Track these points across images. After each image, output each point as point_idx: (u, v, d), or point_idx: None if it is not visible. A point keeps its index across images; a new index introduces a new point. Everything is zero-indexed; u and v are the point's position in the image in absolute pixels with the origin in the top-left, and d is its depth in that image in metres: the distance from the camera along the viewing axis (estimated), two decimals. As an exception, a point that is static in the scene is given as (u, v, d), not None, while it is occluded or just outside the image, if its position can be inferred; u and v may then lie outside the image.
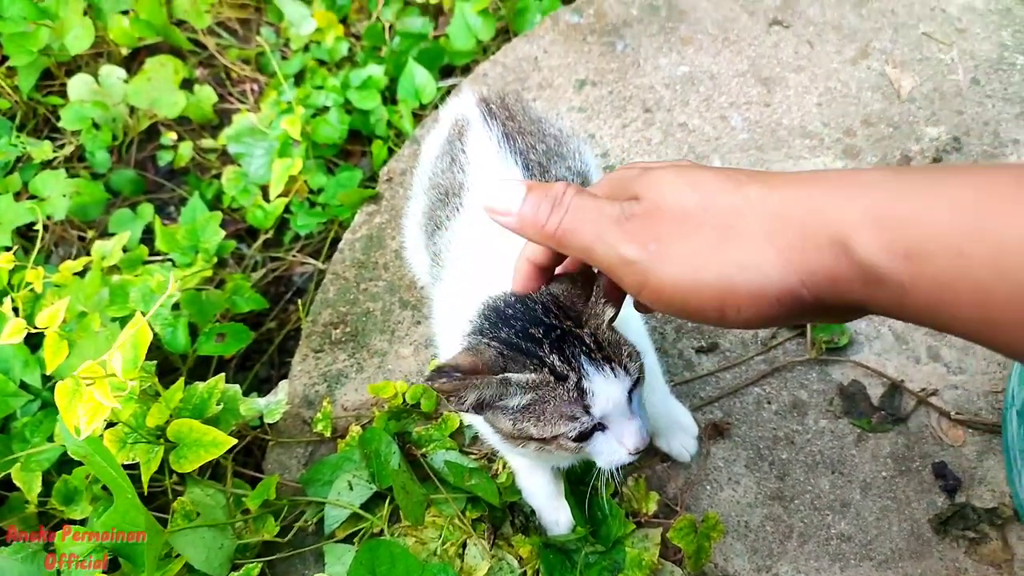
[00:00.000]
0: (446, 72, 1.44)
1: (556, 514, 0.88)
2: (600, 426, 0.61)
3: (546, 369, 0.57)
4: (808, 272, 0.41)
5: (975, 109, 1.15)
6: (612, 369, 0.58)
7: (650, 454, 0.94)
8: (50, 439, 0.97)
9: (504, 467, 0.91)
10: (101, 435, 0.83)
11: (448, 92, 1.30)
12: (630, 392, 0.60)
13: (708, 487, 0.93)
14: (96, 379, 0.69)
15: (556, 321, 0.57)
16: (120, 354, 0.69)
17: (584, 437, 0.61)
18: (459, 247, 0.79)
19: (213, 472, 0.97)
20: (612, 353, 0.59)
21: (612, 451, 0.63)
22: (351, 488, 0.90)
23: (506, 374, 0.56)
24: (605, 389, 0.58)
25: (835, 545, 0.89)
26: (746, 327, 0.45)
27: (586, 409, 0.58)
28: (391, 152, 1.30)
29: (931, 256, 0.37)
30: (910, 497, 0.91)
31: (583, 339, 0.57)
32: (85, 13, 1.37)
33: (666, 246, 0.43)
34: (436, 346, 0.85)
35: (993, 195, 0.37)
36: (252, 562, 0.83)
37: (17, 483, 0.92)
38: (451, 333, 0.73)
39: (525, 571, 0.86)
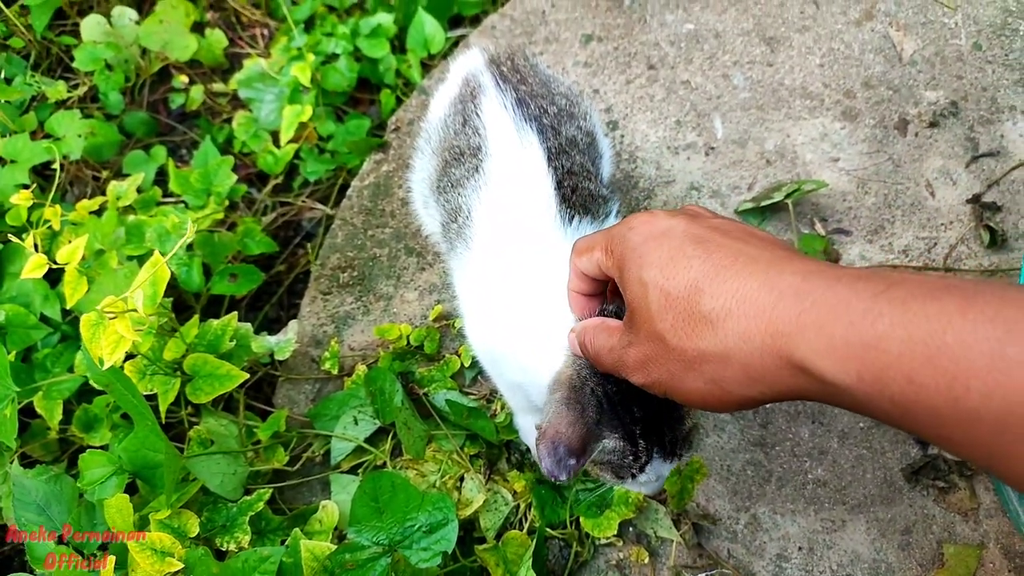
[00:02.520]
0: (455, 22, 1.44)
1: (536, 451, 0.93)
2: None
3: (630, 448, 0.63)
4: (771, 389, 0.47)
5: (975, 74, 1.17)
6: (674, 462, 0.66)
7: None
8: (70, 370, 1.02)
9: (502, 408, 0.96)
10: (121, 366, 0.88)
11: (457, 42, 1.31)
12: None
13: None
14: (119, 313, 0.74)
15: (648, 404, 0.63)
16: (141, 291, 0.74)
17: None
18: (483, 222, 0.80)
19: (226, 405, 1.02)
20: (681, 451, 0.66)
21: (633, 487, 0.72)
22: (356, 423, 0.95)
23: (603, 442, 0.62)
24: (661, 472, 0.67)
25: (811, 489, 0.95)
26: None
27: (633, 477, 0.66)
28: (399, 101, 1.32)
29: (887, 381, 0.40)
30: (884, 447, 0.96)
31: (663, 435, 0.64)
32: (97, -48, 1.38)
33: (655, 370, 0.53)
34: (461, 315, 0.87)
35: (939, 321, 0.39)
36: (263, 487, 0.89)
37: (39, 411, 0.97)
38: (482, 310, 0.80)
39: (519, 504, 0.92)
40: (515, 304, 0.75)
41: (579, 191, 0.79)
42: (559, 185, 0.78)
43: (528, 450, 0.95)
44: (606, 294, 0.66)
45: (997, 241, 1.05)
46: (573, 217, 0.77)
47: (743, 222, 0.63)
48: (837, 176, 1.10)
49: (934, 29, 1.21)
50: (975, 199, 1.08)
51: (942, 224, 1.07)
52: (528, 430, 0.94)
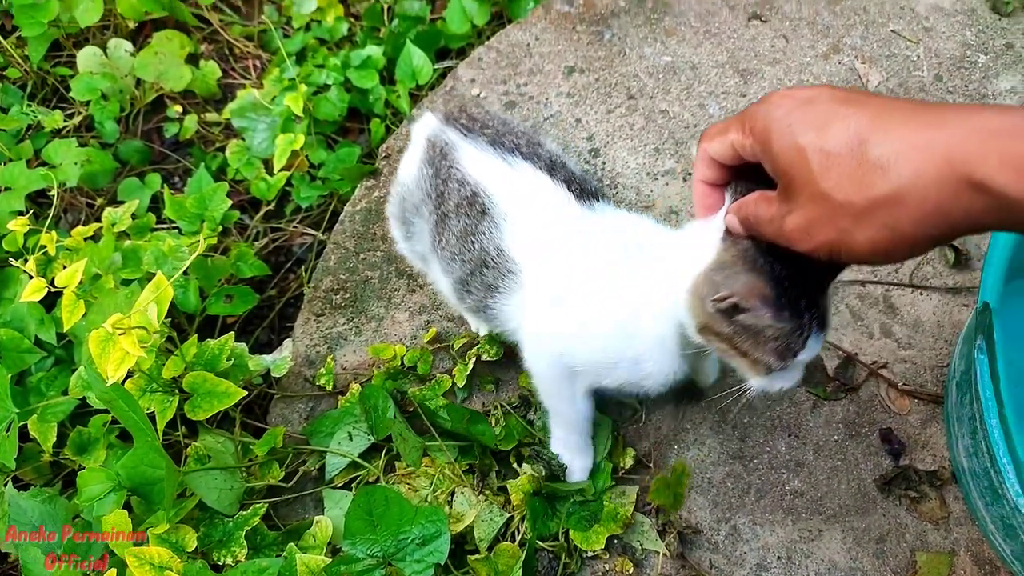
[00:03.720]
0: (442, 54, 1.50)
1: (573, 461, 0.96)
2: None
3: (797, 320, 0.67)
4: (943, 219, 0.49)
5: (936, 105, 1.24)
6: (825, 334, 0.70)
7: (626, 415, 1.03)
8: (64, 393, 1.03)
9: (496, 423, 0.99)
10: (122, 384, 0.90)
11: (444, 74, 1.36)
12: None
13: (676, 446, 1.02)
14: (127, 329, 0.77)
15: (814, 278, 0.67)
16: (155, 305, 0.77)
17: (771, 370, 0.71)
18: (523, 251, 0.85)
19: (221, 424, 1.04)
20: (829, 324, 0.71)
21: (768, 383, 0.74)
22: (351, 439, 0.98)
23: (780, 311, 0.66)
24: (814, 350, 0.70)
25: (789, 500, 0.98)
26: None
27: (794, 355, 0.69)
28: (389, 131, 1.37)
29: None
30: (858, 459, 1.00)
31: (822, 309, 0.69)
32: (94, -14, 1.42)
33: (820, 231, 0.55)
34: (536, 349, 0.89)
35: None
36: (259, 503, 0.91)
37: (33, 434, 0.98)
38: (581, 319, 0.83)
39: (512, 516, 0.94)
40: (619, 284, 0.79)
41: (584, 190, 0.86)
42: (568, 186, 0.85)
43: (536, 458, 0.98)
44: (730, 191, 0.68)
45: (961, 261, 1.10)
46: (592, 203, 0.85)
47: None
48: (808, 200, 1.16)
49: (897, 62, 1.28)
50: (939, 222, 1.14)
51: (908, 246, 1.13)
52: (563, 437, 0.96)
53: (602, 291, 0.81)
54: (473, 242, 0.86)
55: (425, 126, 0.94)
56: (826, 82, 1.26)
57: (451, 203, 0.88)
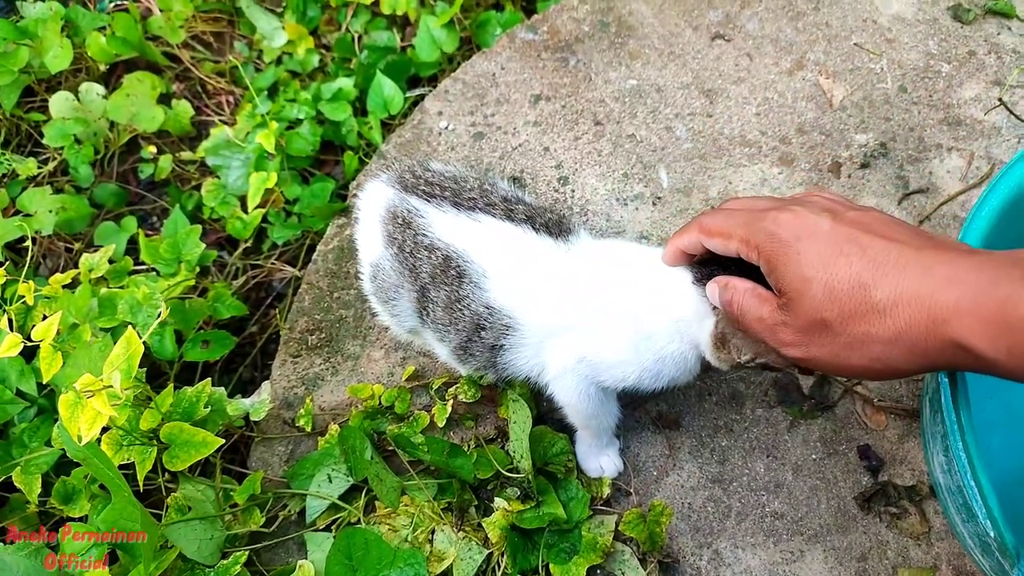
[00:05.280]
0: (414, 82, 1.51)
1: (599, 460, 1.00)
2: None
3: None
4: (931, 363, 0.57)
5: (902, 116, 1.25)
6: None
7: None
8: (47, 443, 1.04)
9: (472, 455, 1.00)
10: (99, 439, 0.90)
11: (416, 102, 1.37)
12: None
13: (655, 472, 1.02)
14: (96, 391, 0.77)
15: None
16: (119, 372, 0.77)
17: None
18: (515, 302, 0.86)
19: (203, 469, 1.05)
20: None
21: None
22: (330, 481, 0.98)
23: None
24: None
25: (769, 522, 0.99)
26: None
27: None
28: (363, 162, 1.37)
29: None
30: (837, 477, 1.01)
31: None
32: (63, 30, 1.42)
33: (816, 349, 0.63)
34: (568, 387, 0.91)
35: None
36: (240, 550, 0.91)
37: (18, 485, 0.99)
38: (595, 355, 0.86)
39: (492, 552, 0.95)
40: (624, 309, 0.83)
41: (549, 223, 0.88)
42: (535, 229, 0.86)
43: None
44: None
45: (931, 273, 1.11)
46: (561, 239, 0.87)
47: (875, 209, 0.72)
48: (778, 219, 1.17)
49: (861, 75, 1.29)
50: (908, 234, 1.15)
51: (879, 260, 1.14)
52: (588, 441, 1.00)
53: (612, 317, 0.84)
54: (461, 308, 0.87)
55: (377, 196, 0.93)
56: (791, 99, 1.27)
57: (425, 274, 0.88)
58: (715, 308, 0.74)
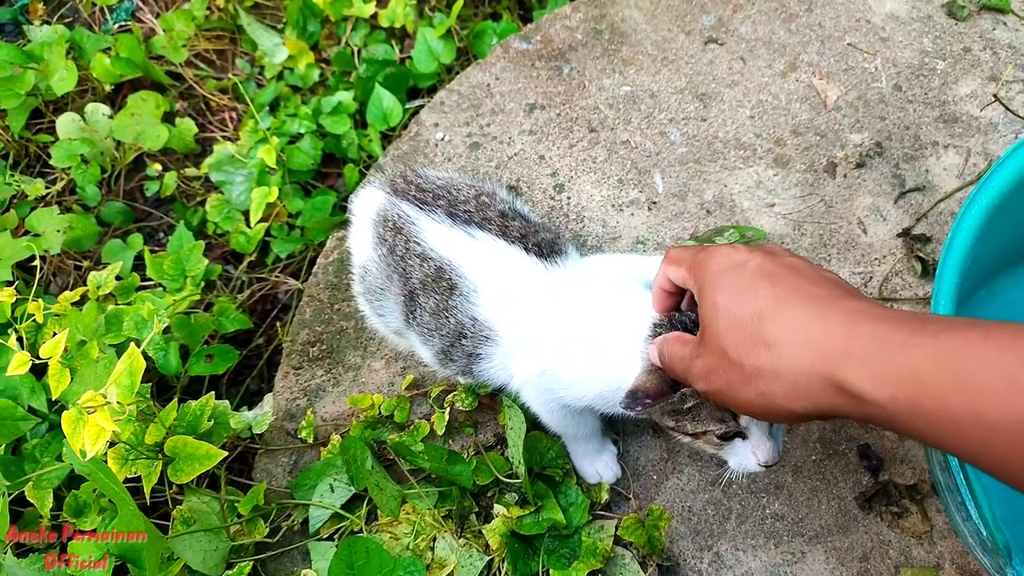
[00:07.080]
0: (413, 94, 1.53)
1: (595, 466, 1.01)
2: (742, 434, 0.76)
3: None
4: (813, 403, 0.56)
5: (897, 114, 1.25)
6: None
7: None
8: (59, 458, 1.06)
9: (472, 462, 1.01)
10: (105, 454, 0.92)
11: (415, 112, 1.38)
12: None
13: (655, 476, 1.03)
14: (97, 407, 0.79)
15: None
16: (115, 388, 0.79)
17: (727, 438, 0.76)
18: (497, 317, 0.88)
19: (209, 481, 1.06)
20: None
21: (745, 458, 0.78)
22: (332, 490, 1.00)
23: (683, 390, 0.71)
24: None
25: (769, 524, 0.99)
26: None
27: (734, 416, 0.74)
28: (363, 175, 1.39)
29: (918, 400, 0.49)
30: (837, 477, 1.01)
31: None
32: (68, 52, 1.45)
33: (716, 380, 0.62)
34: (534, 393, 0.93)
35: (965, 350, 0.47)
36: (244, 561, 0.93)
37: (31, 500, 1.01)
38: (555, 373, 0.87)
39: (492, 559, 0.96)
40: (587, 333, 0.84)
41: (541, 244, 0.89)
42: (527, 249, 0.87)
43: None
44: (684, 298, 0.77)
45: (929, 271, 1.11)
46: (550, 263, 0.88)
47: (814, 263, 0.72)
48: (774, 221, 1.17)
49: (855, 75, 1.29)
50: (905, 233, 1.15)
51: (876, 259, 1.14)
52: (579, 451, 1.01)
53: (573, 339, 0.85)
54: (447, 317, 0.89)
55: (369, 201, 0.95)
56: (785, 101, 1.27)
57: (416, 280, 0.90)
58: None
